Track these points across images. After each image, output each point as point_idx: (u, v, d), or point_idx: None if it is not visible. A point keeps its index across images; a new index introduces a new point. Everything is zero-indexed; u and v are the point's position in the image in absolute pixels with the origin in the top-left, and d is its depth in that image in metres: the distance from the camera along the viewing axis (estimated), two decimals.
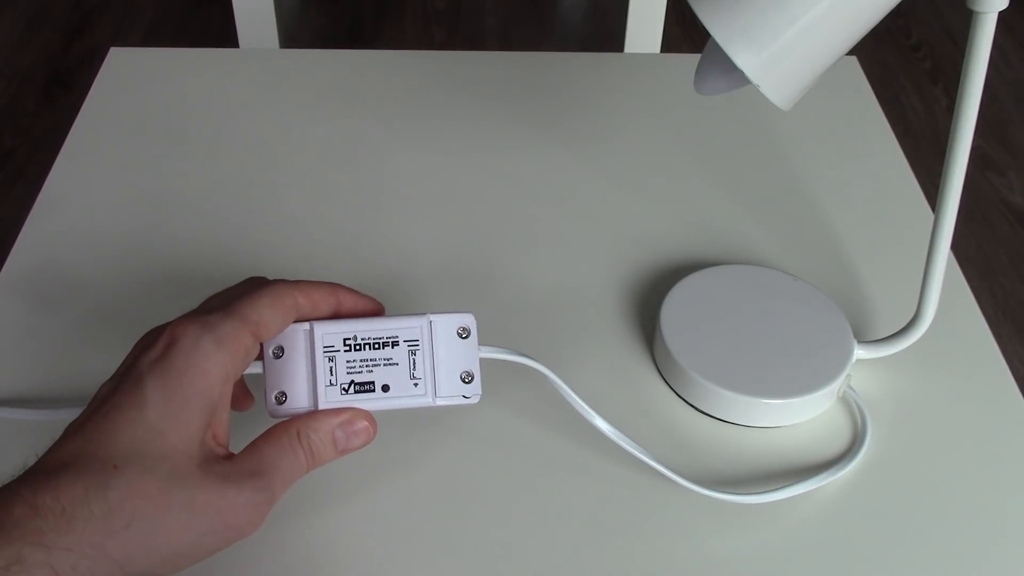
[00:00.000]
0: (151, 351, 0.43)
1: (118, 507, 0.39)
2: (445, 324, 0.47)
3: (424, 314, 0.47)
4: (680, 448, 0.56)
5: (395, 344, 0.46)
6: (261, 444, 0.44)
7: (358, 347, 0.46)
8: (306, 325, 0.46)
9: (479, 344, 0.48)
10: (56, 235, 0.67)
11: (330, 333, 0.46)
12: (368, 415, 0.46)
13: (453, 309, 0.48)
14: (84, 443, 0.40)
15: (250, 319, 0.44)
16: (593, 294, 0.64)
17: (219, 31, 2.13)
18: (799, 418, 0.57)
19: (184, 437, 0.41)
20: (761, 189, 0.73)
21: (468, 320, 0.48)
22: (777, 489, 0.53)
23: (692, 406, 0.58)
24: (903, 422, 0.58)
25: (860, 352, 0.58)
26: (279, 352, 0.46)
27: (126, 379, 0.42)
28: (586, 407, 0.51)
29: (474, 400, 0.47)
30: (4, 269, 0.64)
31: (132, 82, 0.80)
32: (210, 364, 0.42)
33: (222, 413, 0.44)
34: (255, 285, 0.47)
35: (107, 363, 0.59)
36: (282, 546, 0.50)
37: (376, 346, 0.46)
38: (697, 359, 0.57)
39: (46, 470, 0.40)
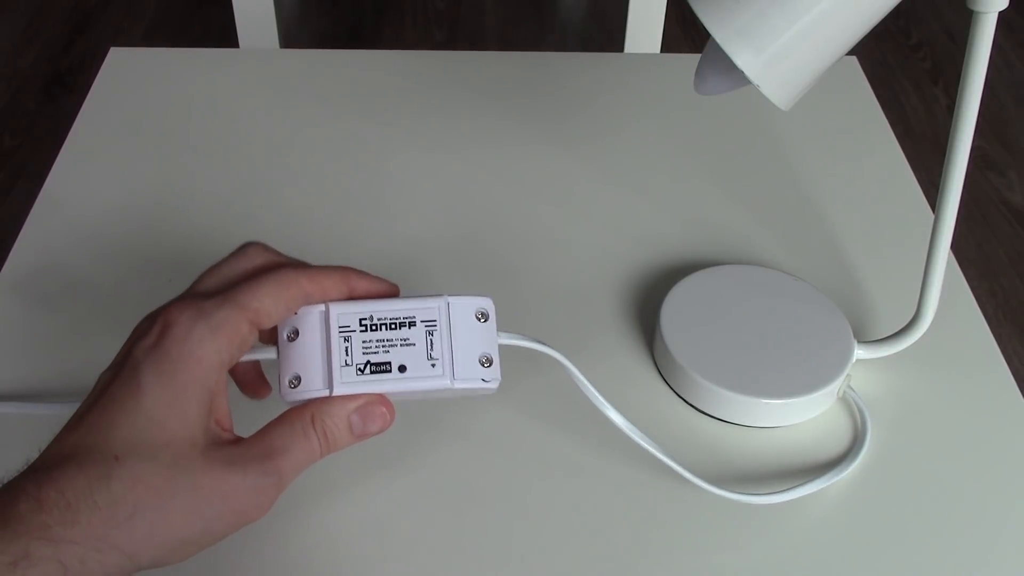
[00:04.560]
0: (145, 338, 0.42)
1: (122, 498, 0.39)
2: (463, 306, 0.46)
3: (441, 295, 0.45)
4: (680, 448, 0.56)
5: (412, 324, 0.45)
6: (272, 428, 0.43)
7: (374, 327, 0.44)
8: (321, 306, 0.45)
9: (499, 331, 0.46)
10: (56, 235, 0.67)
11: (346, 313, 0.44)
12: (385, 400, 0.44)
13: (471, 292, 0.46)
14: (84, 434, 0.40)
15: (248, 306, 0.43)
16: (593, 294, 0.64)
17: (219, 31, 2.13)
18: (799, 418, 0.57)
19: (184, 424, 0.41)
20: (761, 189, 0.73)
21: (486, 304, 0.46)
22: (788, 489, 0.53)
23: (692, 406, 0.58)
24: (903, 422, 0.58)
25: (860, 352, 0.58)
26: (293, 335, 0.45)
27: (122, 368, 0.42)
28: (600, 398, 0.50)
29: (493, 385, 0.45)
30: (4, 269, 0.64)
31: (132, 82, 0.80)
32: (204, 352, 0.41)
33: (221, 398, 0.43)
34: (258, 265, 0.45)
35: (107, 363, 0.59)
36: (284, 542, 0.50)
37: (393, 326, 0.44)
38: (697, 359, 0.57)
39: (48, 464, 0.40)
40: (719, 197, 0.72)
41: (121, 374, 0.42)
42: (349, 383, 0.43)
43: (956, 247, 0.58)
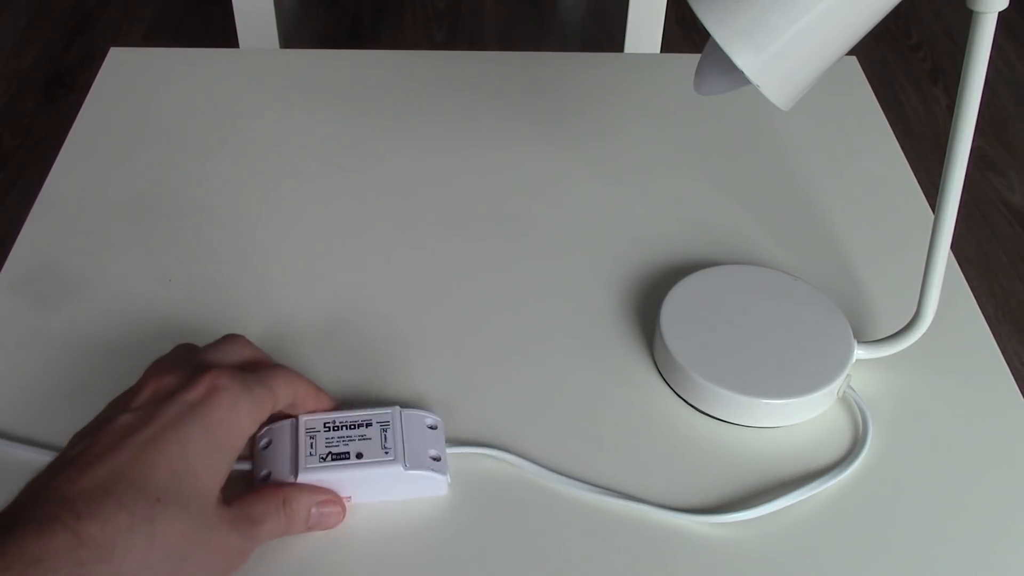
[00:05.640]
0: (189, 394, 0.45)
1: (160, 540, 0.41)
2: (414, 415, 0.52)
3: (394, 406, 0.52)
4: (679, 449, 0.56)
5: (368, 425, 0.51)
6: (252, 500, 0.47)
7: (336, 427, 0.51)
8: (291, 420, 0.51)
9: (450, 444, 0.53)
10: (56, 235, 0.67)
11: (312, 419, 0.51)
12: (342, 502, 0.50)
13: (425, 407, 0.54)
14: (121, 471, 0.41)
15: (275, 391, 0.49)
16: (593, 294, 0.64)
17: (219, 31, 2.13)
18: (799, 418, 0.57)
19: (214, 481, 0.44)
20: (761, 189, 0.73)
21: (436, 418, 0.53)
22: (767, 503, 0.53)
23: (692, 406, 0.58)
24: (903, 422, 0.58)
25: (860, 352, 0.58)
26: (267, 444, 0.51)
27: (162, 414, 0.44)
28: (557, 479, 0.53)
29: (443, 477, 0.51)
30: (4, 269, 0.64)
31: (132, 82, 0.80)
32: (244, 422, 0.46)
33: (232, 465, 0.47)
34: (250, 355, 0.51)
35: (107, 363, 0.59)
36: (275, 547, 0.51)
37: (352, 426, 0.51)
38: (697, 359, 0.57)
39: (85, 495, 0.40)
40: (719, 197, 0.72)
41: (161, 420, 0.44)
42: (312, 469, 0.49)
43: (956, 247, 0.58)
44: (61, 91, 2.00)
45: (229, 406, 0.45)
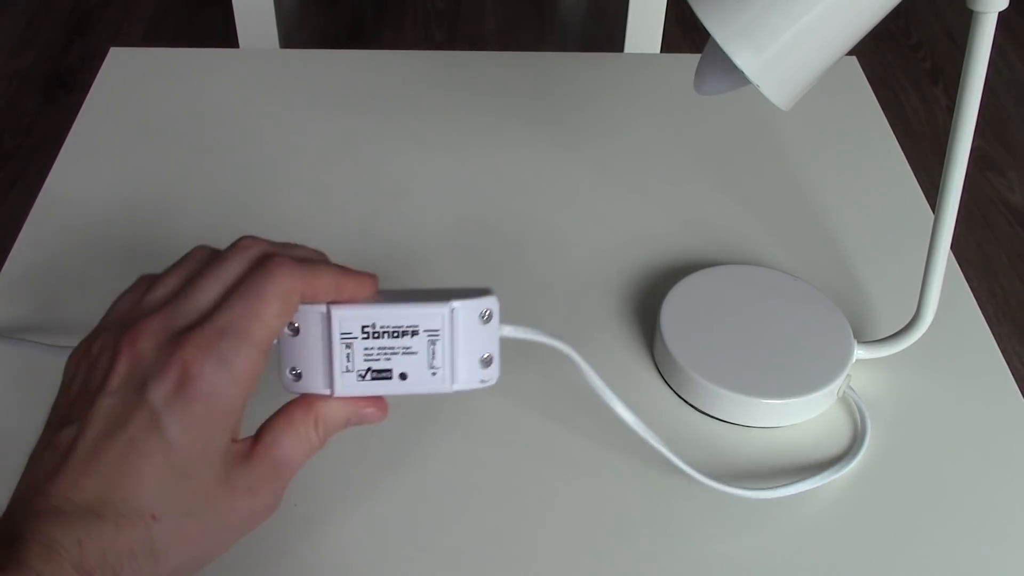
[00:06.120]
0: (161, 383, 0.40)
1: (164, 555, 0.39)
2: (467, 311, 0.44)
3: (447, 302, 0.44)
4: (680, 448, 0.56)
5: (414, 333, 0.44)
6: (278, 433, 0.43)
7: (376, 335, 0.44)
8: (322, 307, 0.44)
9: (502, 323, 0.46)
10: (56, 235, 0.67)
11: (348, 318, 0.44)
12: (380, 401, 0.45)
13: (475, 290, 0.45)
14: (108, 487, 0.39)
15: (262, 339, 0.42)
16: (593, 294, 0.64)
17: (219, 31, 2.13)
18: (799, 418, 0.57)
19: (212, 467, 0.41)
20: (761, 189, 0.73)
21: (491, 303, 0.45)
22: (785, 485, 0.53)
23: (692, 406, 0.58)
24: (903, 422, 0.58)
25: (860, 352, 0.58)
26: (294, 331, 0.44)
27: (138, 413, 0.40)
28: (609, 392, 0.50)
29: (491, 383, 0.45)
30: (4, 269, 0.64)
31: (132, 82, 0.80)
32: (231, 403, 0.41)
33: (238, 421, 0.42)
34: (255, 258, 0.44)
35: None
36: (283, 550, 0.50)
37: (395, 335, 0.44)
38: (697, 359, 0.57)
39: (81, 515, 0.38)
40: (719, 197, 0.72)
41: (137, 419, 0.40)
42: (349, 387, 0.44)
43: (956, 247, 0.58)
44: (61, 91, 2.00)
45: (206, 396, 0.40)
